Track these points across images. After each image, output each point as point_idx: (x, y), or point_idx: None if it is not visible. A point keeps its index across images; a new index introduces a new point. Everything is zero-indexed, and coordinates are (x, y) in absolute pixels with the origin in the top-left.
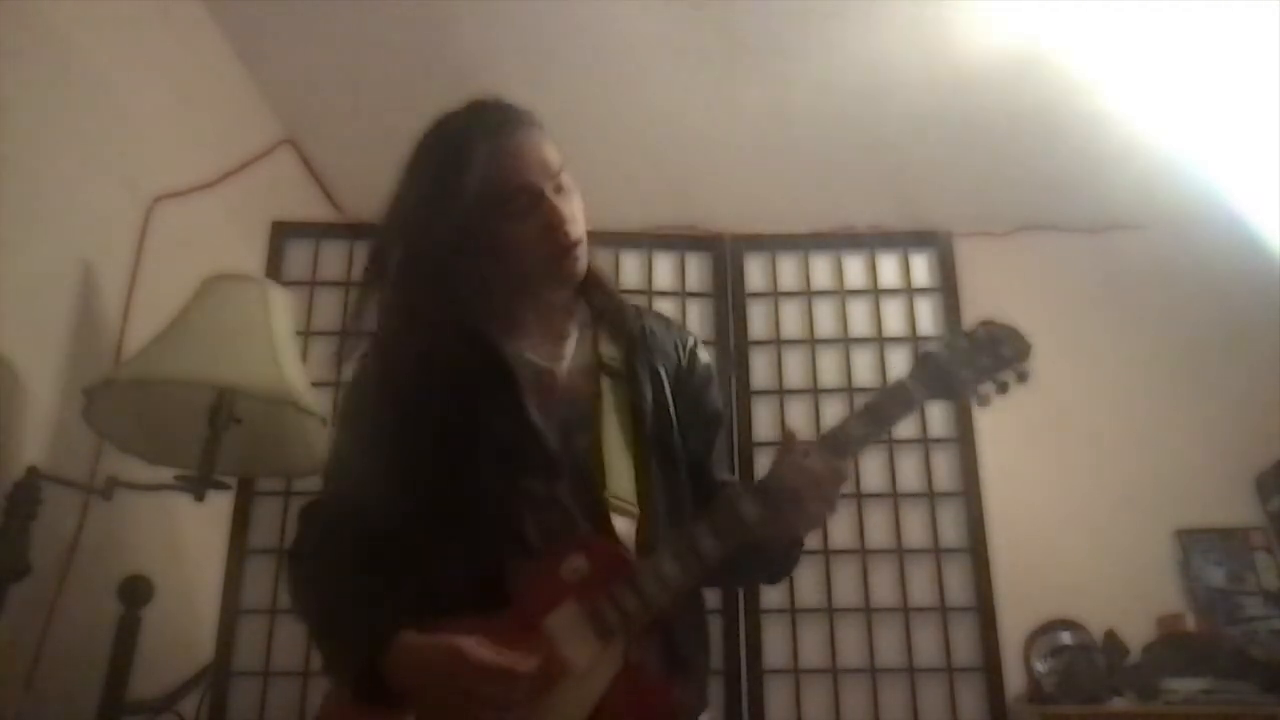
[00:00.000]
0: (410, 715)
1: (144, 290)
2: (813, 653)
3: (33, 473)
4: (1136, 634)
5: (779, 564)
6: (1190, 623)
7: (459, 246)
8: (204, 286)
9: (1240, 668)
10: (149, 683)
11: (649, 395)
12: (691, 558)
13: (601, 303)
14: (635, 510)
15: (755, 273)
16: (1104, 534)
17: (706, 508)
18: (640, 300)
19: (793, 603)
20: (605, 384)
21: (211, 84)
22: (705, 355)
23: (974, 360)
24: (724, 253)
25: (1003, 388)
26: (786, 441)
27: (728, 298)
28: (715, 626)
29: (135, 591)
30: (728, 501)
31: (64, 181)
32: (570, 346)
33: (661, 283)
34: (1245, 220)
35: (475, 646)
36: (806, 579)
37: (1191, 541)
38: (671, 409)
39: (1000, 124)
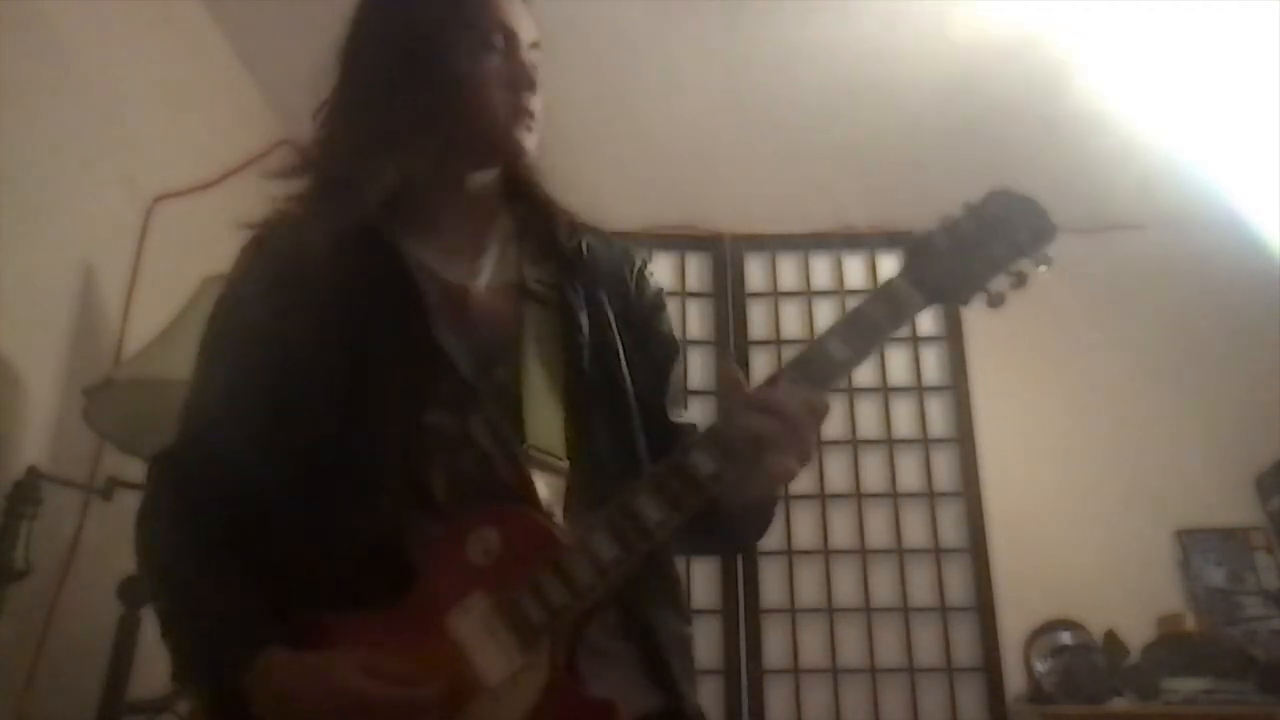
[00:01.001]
0: None
1: (144, 290)
2: (813, 653)
3: (33, 473)
4: (1136, 634)
5: (746, 529)
6: (1190, 623)
7: (400, 82)
8: (204, 286)
9: (1240, 668)
10: (149, 683)
11: (585, 327)
12: (634, 532)
13: (529, 213)
14: (563, 464)
15: (755, 273)
16: (1104, 534)
17: (651, 467)
18: None
19: (793, 603)
20: (530, 311)
21: (211, 84)
22: (655, 279)
23: (984, 246)
24: (724, 253)
25: (1019, 280)
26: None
27: (728, 298)
28: (715, 626)
29: (135, 591)
30: (676, 457)
31: (64, 181)
32: (488, 263)
33: (661, 283)
34: (1245, 220)
35: (358, 675)
36: (807, 579)
37: (1191, 541)
38: (618, 342)
39: (1000, 124)
